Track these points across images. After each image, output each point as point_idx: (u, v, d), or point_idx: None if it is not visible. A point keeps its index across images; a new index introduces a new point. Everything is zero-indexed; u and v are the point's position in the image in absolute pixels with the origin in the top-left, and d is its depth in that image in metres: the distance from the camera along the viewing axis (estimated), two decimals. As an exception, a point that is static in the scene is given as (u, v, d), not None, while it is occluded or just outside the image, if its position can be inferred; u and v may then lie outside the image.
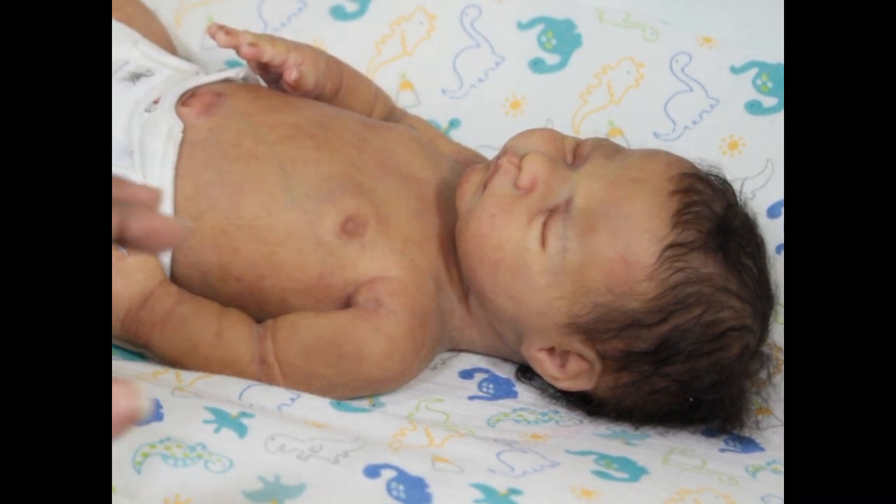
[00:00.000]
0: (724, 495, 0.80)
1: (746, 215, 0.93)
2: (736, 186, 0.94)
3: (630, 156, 0.92)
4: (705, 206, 0.89)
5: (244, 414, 0.78)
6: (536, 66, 1.11)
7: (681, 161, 0.92)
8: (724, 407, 0.91)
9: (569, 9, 1.11)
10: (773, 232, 0.97)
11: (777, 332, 0.94)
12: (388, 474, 0.75)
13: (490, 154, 1.02)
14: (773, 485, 0.83)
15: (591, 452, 0.85)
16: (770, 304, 0.93)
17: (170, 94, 0.94)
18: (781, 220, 1.00)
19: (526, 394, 0.96)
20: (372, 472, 0.75)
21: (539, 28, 1.11)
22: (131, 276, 0.89)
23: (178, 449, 0.74)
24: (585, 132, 1.08)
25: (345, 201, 0.93)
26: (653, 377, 0.89)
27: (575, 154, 0.93)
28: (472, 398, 0.94)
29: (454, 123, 1.11)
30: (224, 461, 0.74)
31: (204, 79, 0.97)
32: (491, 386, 0.96)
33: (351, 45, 1.11)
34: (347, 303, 0.92)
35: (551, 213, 0.89)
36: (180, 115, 0.93)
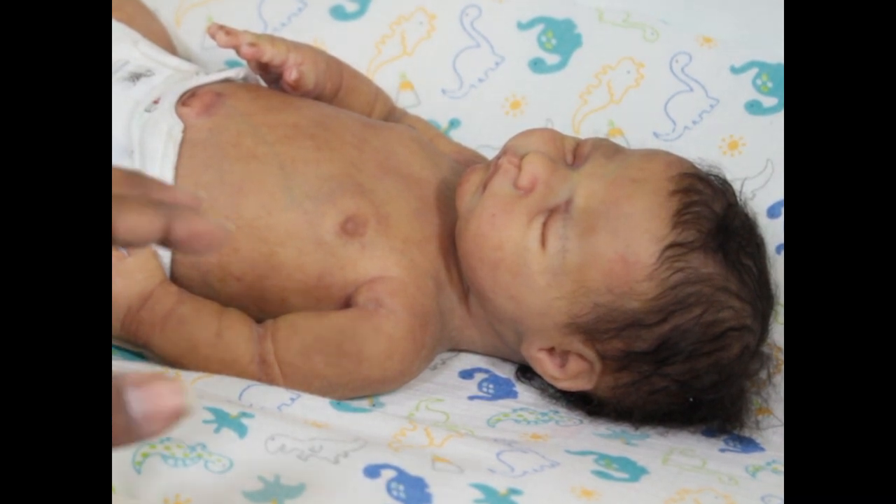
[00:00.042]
0: (724, 495, 0.80)
1: (746, 215, 0.93)
2: (736, 186, 0.94)
3: (630, 156, 0.92)
4: (705, 206, 0.89)
5: (244, 414, 0.78)
6: (536, 66, 1.11)
7: (681, 161, 0.92)
8: (724, 407, 0.91)
9: (569, 9, 1.11)
10: (773, 232, 0.97)
11: (777, 332, 0.94)
12: (388, 474, 0.75)
13: (490, 154, 1.02)
14: (773, 485, 0.83)
15: (591, 452, 0.85)
16: (770, 304, 0.93)
17: (170, 94, 0.94)
18: (781, 220, 1.00)
19: (526, 394, 0.96)
20: (372, 472, 0.75)
21: (539, 28, 1.11)
22: (131, 276, 0.89)
23: (178, 449, 0.74)
24: (585, 132, 1.08)
25: (345, 201, 0.93)
26: (653, 377, 0.89)
27: (575, 154, 0.93)
28: (472, 398, 0.94)
29: (454, 123, 1.11)
30: (224, 461, 0.74)
31: (204, 79, 0.97)
32: (491, 386, 0.96)
33: (351, 45, 1.11)
34: (347, 303, 0.92)
35: (551, 213, 0.89)
36: (180, 115, 0.93)
